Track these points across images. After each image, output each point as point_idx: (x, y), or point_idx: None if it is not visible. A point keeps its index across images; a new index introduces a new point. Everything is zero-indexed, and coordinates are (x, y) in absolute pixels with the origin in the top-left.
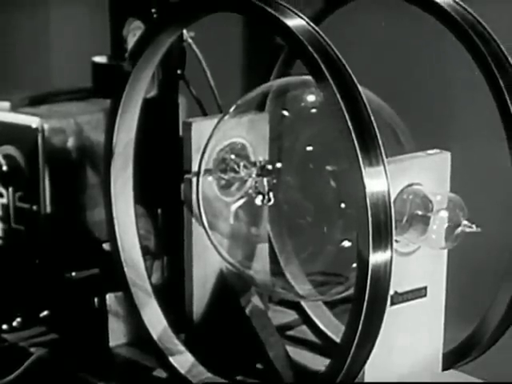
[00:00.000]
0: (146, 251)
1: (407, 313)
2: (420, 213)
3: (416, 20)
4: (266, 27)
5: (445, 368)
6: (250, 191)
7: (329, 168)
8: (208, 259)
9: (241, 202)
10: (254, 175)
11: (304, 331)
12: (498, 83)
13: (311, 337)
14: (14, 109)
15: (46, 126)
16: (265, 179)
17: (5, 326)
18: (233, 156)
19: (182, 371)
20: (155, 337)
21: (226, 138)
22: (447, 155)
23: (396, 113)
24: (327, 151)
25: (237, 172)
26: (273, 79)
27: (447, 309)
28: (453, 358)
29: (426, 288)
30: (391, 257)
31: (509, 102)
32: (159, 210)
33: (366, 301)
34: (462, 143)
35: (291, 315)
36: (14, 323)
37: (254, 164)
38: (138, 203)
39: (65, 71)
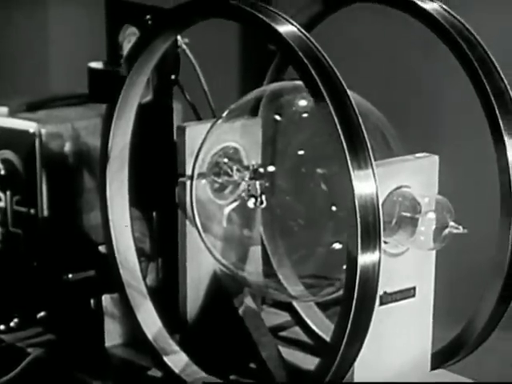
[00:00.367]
0: (141, 253)
1: (396, 313)
2: (409, 215)
3: (406, 26)
4: (259, 33)
5: (433, 367)
6: (243, 194)
7: (320, 171)
8: (202, 261)
9: (234, 204)
10: (246, 178)
11: (297, 332)
12: (484, 88)
13: (304, 337)
14: (12, 114)
15: (43, 131)
16: (257, 182)
17: (2, 327)
18: (226, 160)
19: (177, 370)
20: (150, 337)
21: (219, 142)
22: (435, 158)
23: (385, 117)
24: (318, 155)
25: (230, 175)
26: (266, 84)
27: (435, 309)
28: (441, 357)
29: (414, 288)
30: (379, 258)
31: (495, 106)
32: (154, 213)
33: (354, 300)
34: (450, 147)
35: (284, 317)
36: (12, 324)
37: (247, 167)
38: (134, 206)
39: (62, 77)
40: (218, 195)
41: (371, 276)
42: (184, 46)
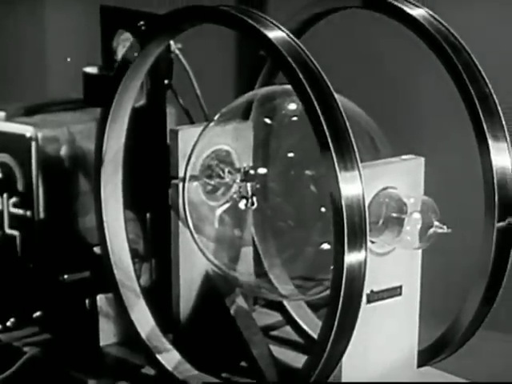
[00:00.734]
0: (134, 254)
1: (383, 311)
2: (395, 215)
3: (395, 31)
4: (249, 38)
5: (420, 365)
6: (235, 196)
7: (309, 173)
8: (194, 261)
9: (226, 206)
10: (238, 180)
11: (288, 332)
12: (469, 92)
13: (294, 337)
14: (9, 118)
15: (39, 135)
16: (249, 184)
17: None
18: (218, 162)
19: (170, 368)
20: (144, 336)
21: (211, 145)
22: (421, 160)
23: (373, 119)
24: (308, 157)
25: (222, 177)
26: (257, 88)
27: (421, 307)
28: (427, 355)
29: (401, 287)
30: (365, 257)
31: (479, 110)
32: (148, 215)
33: (341, 298)
34: (436, 149)
35: (275, 316)
36: (8, 323)
37: (239, 170)
38: (128, 208)
39: (59, 81)
40: (210, 197)
41: (357, 275)
42: (177, 51)
